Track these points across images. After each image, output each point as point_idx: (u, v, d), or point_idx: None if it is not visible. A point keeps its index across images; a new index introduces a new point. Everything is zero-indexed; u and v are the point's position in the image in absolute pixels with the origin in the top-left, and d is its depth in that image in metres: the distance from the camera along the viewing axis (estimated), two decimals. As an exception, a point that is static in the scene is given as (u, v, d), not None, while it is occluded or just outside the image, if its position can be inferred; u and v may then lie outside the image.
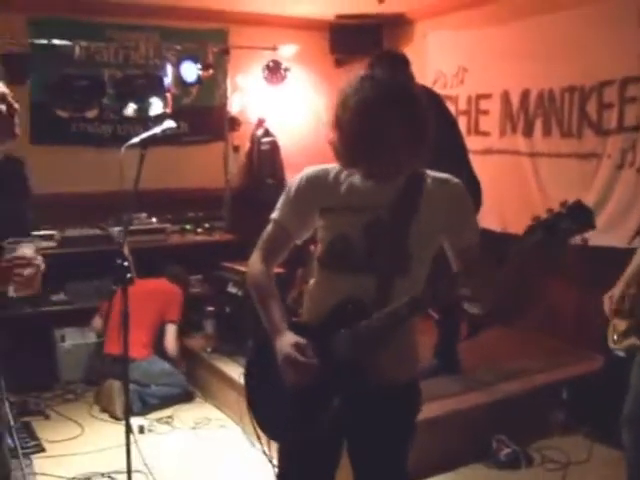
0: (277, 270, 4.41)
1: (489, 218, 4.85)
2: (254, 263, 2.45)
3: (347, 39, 7.03)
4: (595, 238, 4.41)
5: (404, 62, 4.01)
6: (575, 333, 5.41)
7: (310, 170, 2.42)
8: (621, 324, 3.17)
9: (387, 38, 7.03)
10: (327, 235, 2.36)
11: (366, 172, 2.30)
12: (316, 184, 2.38)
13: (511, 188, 5.68)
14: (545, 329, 5.63)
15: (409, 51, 6.81)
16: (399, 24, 7.01)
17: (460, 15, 6.24)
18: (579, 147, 5.20)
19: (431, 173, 2.36)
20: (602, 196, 4.93)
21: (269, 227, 2.46)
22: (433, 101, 4.64)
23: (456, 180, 2.36)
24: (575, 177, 5.19)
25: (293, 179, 2.44)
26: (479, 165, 4.76)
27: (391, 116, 2.16)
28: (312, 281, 2.47)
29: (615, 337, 3.20)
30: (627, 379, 4.06)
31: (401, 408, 2.40)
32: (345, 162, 2.31)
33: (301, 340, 2.27)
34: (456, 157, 4.36)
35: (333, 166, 2.39)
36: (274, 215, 2.44)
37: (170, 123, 3.61)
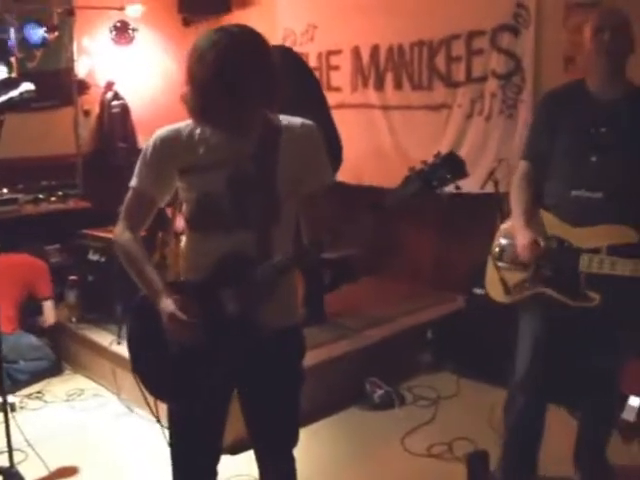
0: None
1: (344, 171, 4.96)
2: (120, 233, 2.41)
3: (196, -1, 6.95)
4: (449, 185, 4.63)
5: None
6: (435, 276, 5.66)
7: (162, 132, 2.38)
8: (514, 276, 3.17)
9: (235, -4, 6.97)
10: (190, 196, 2.36)
11: (221, 126, 2.28)
12: (170, 145, 2.34)
13: (365, 141, 5.83)
14: (406, 275, 5.86)
15: (257, 10, 6.83)
16: (246, -18, 6.96)
17: (307, -29, 6.26)
18: (430, 99, 5.40)
19: (286, 118, 2.38)
20: (454, 145, 5.15)
21: (129, 195, 2.42)
22: (291, 58, 4.70)
23: (309, 122, 2.40)
24: (427, 127, 5.39)
25: (146, 143, 2.39)
26: (333, 120, 4.87)
27: (247, 67, 2.17)
28: (184, 242, 2.47)
29: (508, 288, 3.19)
30: (487, 318, 4.31)
31: (288, 353, 2.47)
32: (200, 118, 2.27)
33: (184, 298, 2.28)
34: (317, 112, 4.43)
35: (185, 124, 2.36)
36: (133, 183, 2.40)
37: (28, 86, 3.46)
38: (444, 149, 4.98)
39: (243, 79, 2.16)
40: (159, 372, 2.40)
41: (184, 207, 2.43)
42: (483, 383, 4.42)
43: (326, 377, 4.34)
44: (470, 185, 4.84)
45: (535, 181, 3.17)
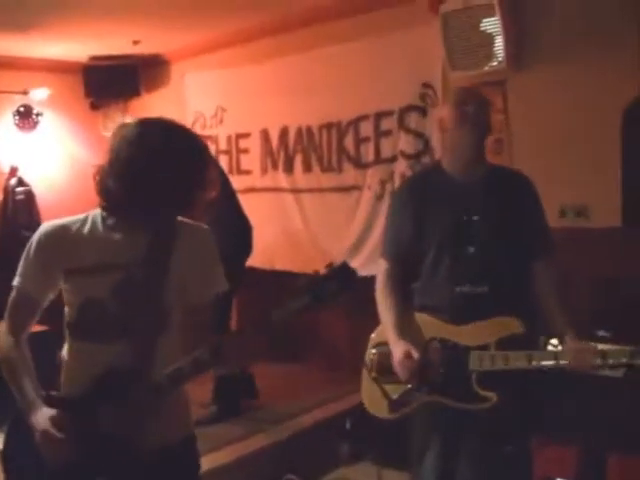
0: (44, 328, 4.17)
1: (256, 257, 4.86)
2: (1, 335, 2.20)
3: (102, 81, 6.79)
4: (362, 269, 4.55)
5: None
6: (351, 362, 5.47)
7: (47, 227, 2.20)
8: (396, 387, 2.86)
9: (144, 80, 6.89)
10: (75, 300, 2.16)
11: (128, 218, 2.15)
12: (56, 242, 2.17)
13: (276, 225, 5.74)
14: (324, 362, 5.69)
15: (167, 92, 6.78)
16: (156, 65, 6.90)
17: (217, 55, 6.25)
18: (340, 181, 5.35)
19: (181, 219, 2.25)
20: (366, 226, 5.11)
21: (13, 294, 2.21)
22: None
23: (204, 226, 2.29)
24: (338, 210, 5.33)
25: (31, 239, 2.20)
26: (243, 204, 4.80)
27: (158, 162, 2.07)
28: (66, 350, 2.25)
29: (392, 403, 2.90)
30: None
31: (180, 468, 2.25)
32: (110, 205, 2.15)
33: (59, 414, 2.08)
34: (222, 200, 4.35)
35: (74, 220, 2.21)
36: (16, 281, 2.19)
37: None
38: (356, 230, 5.08)
39: (156, 174, 2.06)
40: None
41: (66, 311, 2.22)
42: (406, 472, 4.23)
43: (240, 476, 4.12)
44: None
45: (401, 282, 2.95)
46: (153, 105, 6.60)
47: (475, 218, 2.80)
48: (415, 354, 2.71)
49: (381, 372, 2.94)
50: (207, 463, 2.41)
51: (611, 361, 2.52)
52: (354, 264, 4.70)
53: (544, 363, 2.61)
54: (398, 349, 2.77)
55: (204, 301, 2.21)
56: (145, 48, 6.40)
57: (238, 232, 4.51)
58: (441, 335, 2.78)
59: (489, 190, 2.84)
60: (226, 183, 4.73)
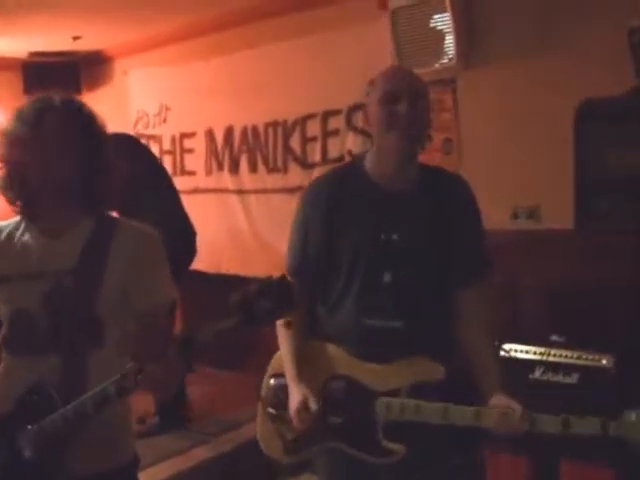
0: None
1: (202, 259, 4.69)
2: None
3: (42, 78, 6.53)
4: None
5: None
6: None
7: None
8: (293, 428, 2.38)
9: (85, 77, 6.69)
10: (5, 311, 2.00)
11: (46, 219, 2.00)
12: None
13: (222, 227, 5.59)
14: (262, 370, 5.51)
15: (109, 90, 6.60)
16: (97, 62, 6.69)
17: (161, 52, 6.06)
18: (286, 182, 5.21)
19: (124, 220, 2.09)
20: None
21: None
22: (134, 148, 4.46)
23: (150, 229, 2.09)
24: (284, 211, 5.14)
25: None
26: (187, 205, 4.64)
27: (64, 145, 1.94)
28: (1, 366, 2.09)
29: (287, 445, 2.46)
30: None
31: None
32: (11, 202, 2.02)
33: None
34: (161, 202, 4.18)
35: (6, 225, 2.05)
36: None
37: None
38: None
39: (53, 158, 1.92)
40: None
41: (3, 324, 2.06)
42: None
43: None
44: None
45: (305, 304, 2.45)
46: (95, 103, 6.15)
47: (395, 237, 2.31)
48: (312, 405, 2.28)
49: (277, 407, 2.48)
50: (145, 479, 2.21)
51: (542, 428, 2.10)
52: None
53: (462, 422, 2.17)
54: (294, 395, 2.34)
55: (149, 309, 2.00)
56: (86, 44, 6.20)
57: (181, 236, 4.33)
58: (347, 372, 2.35)
59: (416, 201, 2.35)
60: (169, 184, 4.57)
